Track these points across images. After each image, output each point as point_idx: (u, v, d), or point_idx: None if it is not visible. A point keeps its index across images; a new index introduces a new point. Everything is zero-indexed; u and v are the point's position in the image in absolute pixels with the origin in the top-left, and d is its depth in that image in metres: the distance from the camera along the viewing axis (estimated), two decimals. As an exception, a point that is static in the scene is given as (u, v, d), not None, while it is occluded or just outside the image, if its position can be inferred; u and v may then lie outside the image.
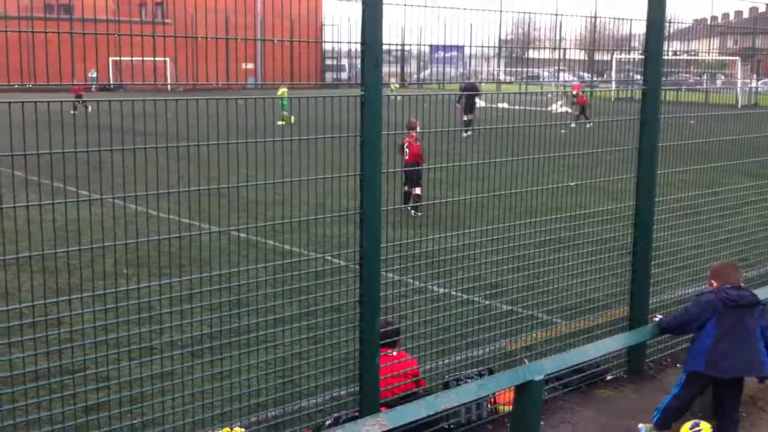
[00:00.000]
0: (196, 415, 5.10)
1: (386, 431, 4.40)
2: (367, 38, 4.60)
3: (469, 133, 21.02)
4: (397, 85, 29.43)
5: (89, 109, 25.83)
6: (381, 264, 5.01)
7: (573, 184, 7.05)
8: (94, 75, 31.32)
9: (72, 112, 24.70)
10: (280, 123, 24.81)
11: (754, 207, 9.99)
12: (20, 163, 4.24)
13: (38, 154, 4.13)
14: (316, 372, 5.52)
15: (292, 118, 24.53)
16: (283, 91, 23.71)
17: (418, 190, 14.23)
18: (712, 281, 6.06)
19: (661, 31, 6.84)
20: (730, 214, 9.27)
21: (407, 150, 14.19)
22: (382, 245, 4.98)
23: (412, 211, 13.50)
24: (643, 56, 6.84)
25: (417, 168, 13.55)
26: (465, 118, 24.45)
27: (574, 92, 26.02)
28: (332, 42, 4.83)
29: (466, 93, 24.99)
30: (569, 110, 24.81)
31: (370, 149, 4.70)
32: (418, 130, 12.79)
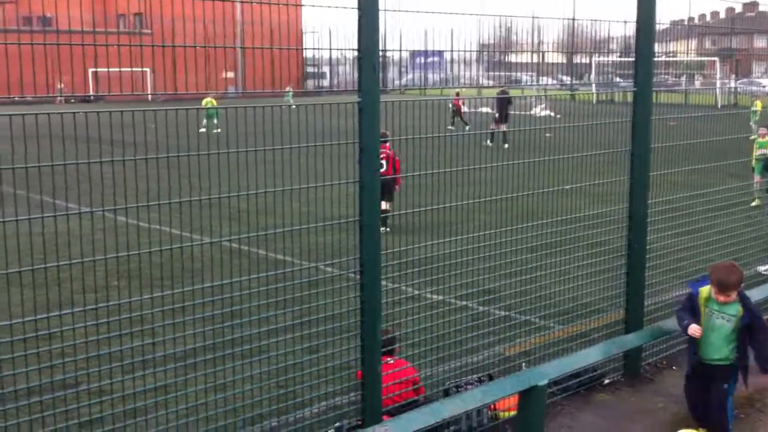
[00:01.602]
0: (196, 428, 5.00)
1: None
2: (363, 44, 4.54)
3: (506, 145, 20.75)
4: (291, 91, 28.81)
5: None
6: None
7: (568, 187, 7.01)
8: (62, 87, 31.01)
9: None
10: (201, 130, 24.84)
11: (740, 208, 10.02)
12: (6, 178, 4.15)
13: (26, 167, 4.04)
14: (315, 382, 5.43)
15: (216, 129, 24.54)
16: (207, 100, 23.54)
17: (385, 205, 13.91)
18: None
19: (651, 32, 6.83)
20: (718, 216, 9.30)
21: (383, 162, 13.72)
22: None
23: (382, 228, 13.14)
24: (634, 58, 6.83)
25: (390, 180, 13.25)
26: (502, 128, 23.55)
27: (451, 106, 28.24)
28: (327, 49, 4.77)
29: (499, 98, 24.58)
30: (552, 113, 24.93)
31: (369, 156, 4.63)
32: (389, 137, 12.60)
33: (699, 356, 5.90)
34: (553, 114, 24.90)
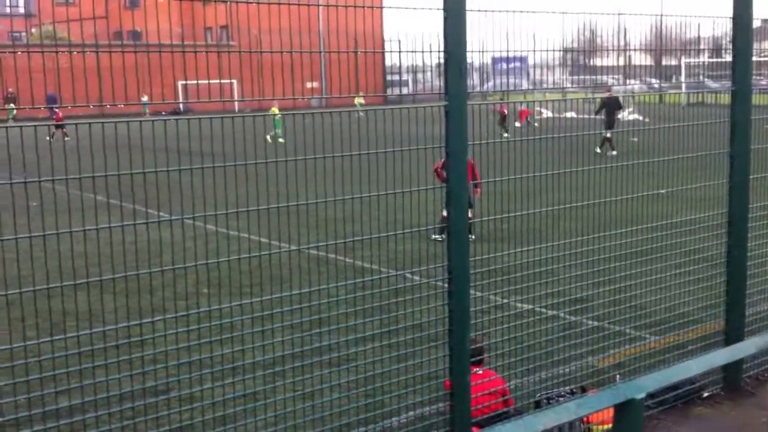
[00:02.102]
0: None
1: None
2: (449, 47, 4.46)
3: (614, 152, 20.14)
4: (362, 101, 28.41)
5: (68, 137, 26.34)
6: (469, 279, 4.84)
7: (664, 191, 6.75)
8: (145, 99, 31.87)
9: (47, 138, 25.24)
10: (268, 138, 24.98)
11: None
12: (100, 187, 4.23)
13: (116, 174, 4.11)
14: (402, 392, 5.35)
15: (280, 138, 24.60)
16: (273, 109, 23.68)
17: (470, 212, 13.73)
18: None
19: (749, 29, 6.53)
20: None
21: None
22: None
23: (442, 236, 12.99)
24: (732, 56, 6.53)
25: (470, 186, 13.05)
26: (607, 134, 22.73)
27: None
28: (412, 51, 4.69)
29: (608, 103, 24.00)
30: (640, 117, 24.31)
31: (456, 161, 4.54)
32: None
33: None
34: (641, 117, 24.28)
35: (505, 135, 27.72)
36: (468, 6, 4.58)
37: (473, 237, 12.55)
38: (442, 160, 15.89)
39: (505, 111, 29.92)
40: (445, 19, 4.48)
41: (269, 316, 5.33)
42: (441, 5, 4.44)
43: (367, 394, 5.35)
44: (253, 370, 5.21)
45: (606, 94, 24.19)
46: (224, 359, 5.10)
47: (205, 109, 35.42)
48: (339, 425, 5.39)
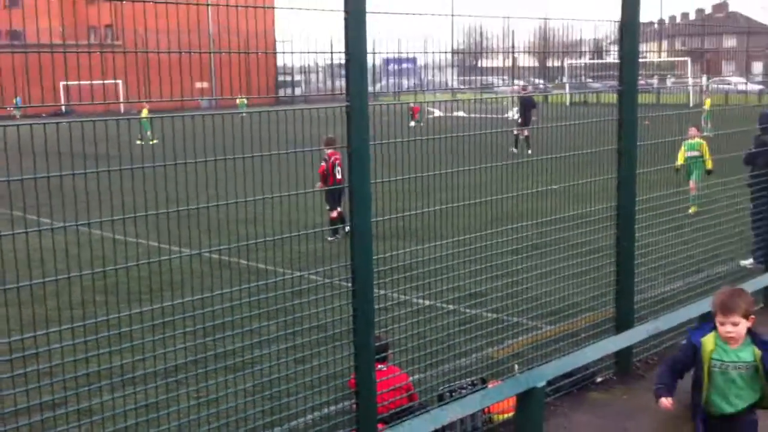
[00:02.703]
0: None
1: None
2: (351, 48, 4.47)
3: (529, 151, 20.11)
4: (245, 101, 28.28)
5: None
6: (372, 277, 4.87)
7: (556, 187, 6.98)
8: (19, 100, 30.38)
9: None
10: (138, 142, 24.61)
11: (719, 204, 10.04)
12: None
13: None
14: (309, 392, 5.33)
15: (154, 139, 24.32)
16: (144, 111, 23.41)
17: (335, 213, 13.82)
18: None
19: (635, 34, 6.83)
20: (699, 212, 9.32)
21: (340, 169, 13.66)
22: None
23: (336, 236, 13.16)
24: (619, 59, 6.83)
25: (340, 188, 13.03)
26: (523, 133, 22.79)
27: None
28: (317, 53, 4.68)
29: (522, 101, 23.85)
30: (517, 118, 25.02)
31: (359, 160, 4.56)
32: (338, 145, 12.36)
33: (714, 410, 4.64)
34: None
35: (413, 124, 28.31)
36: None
37: (339, 237, 12.68)
38: (322, 164, 15.68)
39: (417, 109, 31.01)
40: (346, 20, 4.49)
41: (169, 322, 5.21)
42: (341, 7, 4.45)
43: (272, 397, 5.31)
44: (153, 379, 5.08)
45: (521, 93, 24.50)
46: (122, 369, 4.95)
47: (88, 112, 34.15)
48: (244, 430, 5.32)
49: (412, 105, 28.12)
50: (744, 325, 4.39)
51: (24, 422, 4.45)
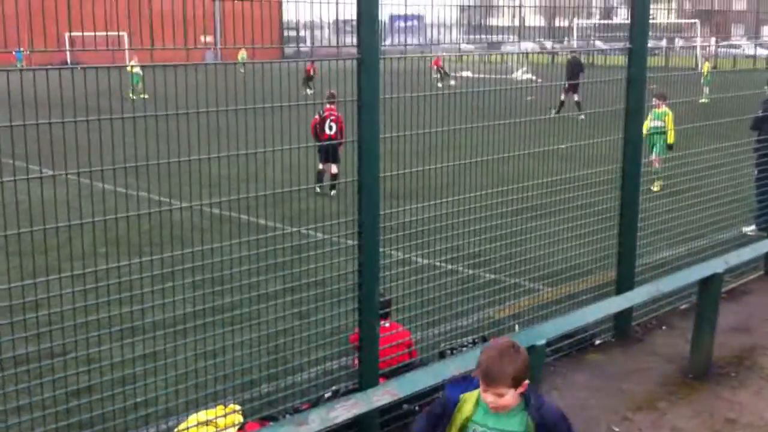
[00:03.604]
0: (187, 394, 4.92)
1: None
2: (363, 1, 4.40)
3: (582, 117, 19.66)
4: (245, 55, 27.89)
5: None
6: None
7: (564, 146, 6.92)
8: (20, 54, 29.95)
9: None
10: (130, 96, 24.29)
11: (720, 170, 9.96)
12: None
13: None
14: (307, 347, 5.34)
15: (145, 95, 24.11)
16: (132, 65, 23.16)
17: (335, 168, 13.74)
18: None
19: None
20: (703, 177, 9.27)
21: (333, 125, 13.52)
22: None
23: (332, 191, 13.08)
24: (630, 17, 6.74)
25: (336, 143, 12.93)
26: (574, 98, 21.32)
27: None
28: (329, 2, 4.59)
29: (571, 65, 22.69)
30: (533, 77, 24.68)
31: (368, 114, 4.50)
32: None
33: None
34: (534, 77, 24.76)
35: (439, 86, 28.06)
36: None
37: (334, 192, 12.64)
38: (315, 117, 15.55)
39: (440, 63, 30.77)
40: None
41: (169, 274, 5.20)
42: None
43: (270, 351, 5.32)
44: (154, 329, 5.09)
45: (570, 56, 23.66)
46: (123, 319, 4.96)
47: (95, 63, 33.88)
48: (242, 382, 5.36)
49: (436, 58, 27.63)
50: (512, 394, 3.29)
51: (23, 368, 4.47)
